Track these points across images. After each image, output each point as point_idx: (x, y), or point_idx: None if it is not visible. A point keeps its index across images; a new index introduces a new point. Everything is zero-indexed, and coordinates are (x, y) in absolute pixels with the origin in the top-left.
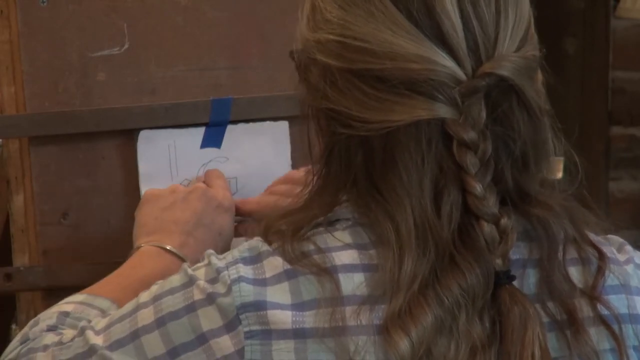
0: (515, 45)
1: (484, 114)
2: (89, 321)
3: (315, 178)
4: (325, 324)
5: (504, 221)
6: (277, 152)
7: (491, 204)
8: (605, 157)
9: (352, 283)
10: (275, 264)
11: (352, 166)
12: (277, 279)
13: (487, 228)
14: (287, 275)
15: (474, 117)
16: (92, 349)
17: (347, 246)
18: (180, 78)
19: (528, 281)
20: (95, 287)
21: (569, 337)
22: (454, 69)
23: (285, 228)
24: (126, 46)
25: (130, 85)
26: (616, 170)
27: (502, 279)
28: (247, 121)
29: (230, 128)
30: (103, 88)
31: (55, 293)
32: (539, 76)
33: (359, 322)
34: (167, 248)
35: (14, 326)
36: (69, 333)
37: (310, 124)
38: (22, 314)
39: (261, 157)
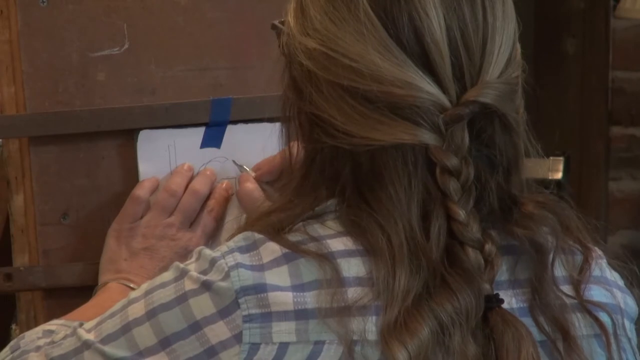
0: (500, 70)
1: (467, 140)
2: (81, 324)
3: (295, 182)
4: (328, 305)
5: (488, 247)
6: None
7: (475, 230)
8: (605, 157)
9: (352, 267)
10: (272, 249)
11: (339, 177)
12: (276, 262)
13: (472, 254)
14: (287, 259)
15: (457, 144)
16: (85, 344)
17: (340, 234)
18: (180, 78)
19: (517, 298)
20: (72, 314)
21: (562, 351)
22: (439, 95)
23: (269, 226)
24: (126, 46)
25: (130, 85)
26: (616, 170)
27: (492, 302)
28: (247, 121)
29: (230, 128)
30: (103, 88)
31: (55, 293)
32: (519, 88)
33: (360, 303)
34: (132, 286)
35: (14, 326)
36: (60, 335)
37: (290, 125)
38: (22, 314)
39: (261, 157)
